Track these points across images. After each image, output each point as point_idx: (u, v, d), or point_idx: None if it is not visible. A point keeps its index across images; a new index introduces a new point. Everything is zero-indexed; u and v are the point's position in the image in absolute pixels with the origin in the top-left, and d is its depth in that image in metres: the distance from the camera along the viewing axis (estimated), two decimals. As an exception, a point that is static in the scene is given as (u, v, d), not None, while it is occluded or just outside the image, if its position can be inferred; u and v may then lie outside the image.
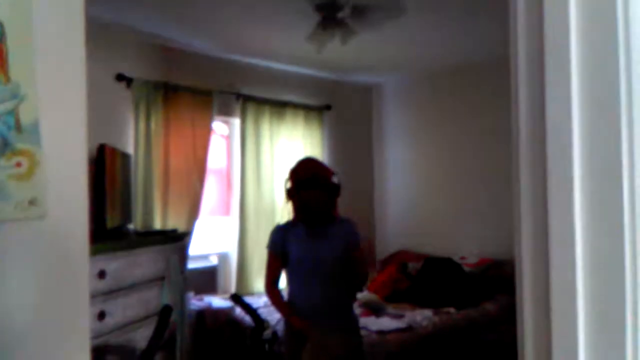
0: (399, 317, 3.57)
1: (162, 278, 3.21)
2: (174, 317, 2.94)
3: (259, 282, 4.54)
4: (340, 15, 3.21)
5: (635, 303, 0.80)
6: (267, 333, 2.73)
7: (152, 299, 3.07)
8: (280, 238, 2.46)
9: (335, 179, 2.43)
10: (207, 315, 3.77)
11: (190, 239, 4.00)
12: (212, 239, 4.62)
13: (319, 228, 2.42)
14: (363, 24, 3.36)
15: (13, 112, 0.94)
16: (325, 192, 2.40)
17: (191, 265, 3.97)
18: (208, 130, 4.30)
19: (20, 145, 0.95)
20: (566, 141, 0.84)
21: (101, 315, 2.65)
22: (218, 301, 3.99)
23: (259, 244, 4.52)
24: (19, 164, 0.95)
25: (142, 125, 3.93)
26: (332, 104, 5.35)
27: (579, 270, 0.84)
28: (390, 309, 3.79)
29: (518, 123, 0.96)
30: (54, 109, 1.01)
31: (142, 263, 3.02)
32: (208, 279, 4.47)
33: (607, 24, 0.81)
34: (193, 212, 4.16)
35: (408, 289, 4.16)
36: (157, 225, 3.96)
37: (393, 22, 3.50)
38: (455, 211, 5.01)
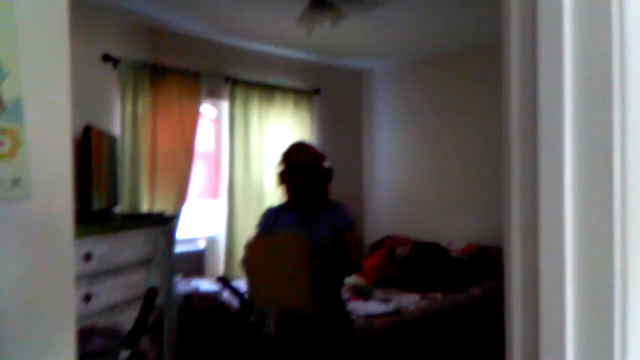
0: (387, 301, 3.60)
1: (149, 261, 3.20)
2: (160, 300, 2.94)
3: (246, 266, 4.54)
4: (330, -3, 3.18)
5: (624, 287, 0.80)
6: (254, 316, 2.73)
7: (139, 282, 3.06)
8: (270, 220, 2.45)
9: (327, 164, 2.43)
10: (195, 298, 3.77)
11: (177, 222, 3.99)
12: (200, 223, 4.60)
13: (308, 214, 2.40)
14: (353, 7, 3.32)
15: (-6, 90, 0.92)
16: (317, 177, 2.38)
17: (179, 248, 3.95)
18: (196, 113, 4.26)
19: (2, 124, 0.93)
20: (558, 126, 0.84)
21: (87, 298, 2.64)
22: (205, 285, 3.99)
23: (247, 228, 4.51)
24: (1, 143, 0.93)
25: (128, 107, 3.88)
26: (321, 88, 5.32)
27: (568, 255, 0.84)
28: (378, 293, 3.81)
29: (509, 108, 0.95)
30: (37, 87, 0.99)
31: (129, 246, 3.00)
32: (196, 263, 4.46)
33: (600, 5, 0.80)
34: (181, 195, 4.14)
35: (395, 274, 4.19)
36: (144, 208, 3.94)
37: (383, 6, 3.47)
38: (443, 197, 5.04)
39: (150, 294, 2.24)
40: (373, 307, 3.40)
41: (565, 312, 0.85)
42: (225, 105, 4.65)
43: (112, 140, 3.54)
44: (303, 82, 5.21)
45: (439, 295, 3.79)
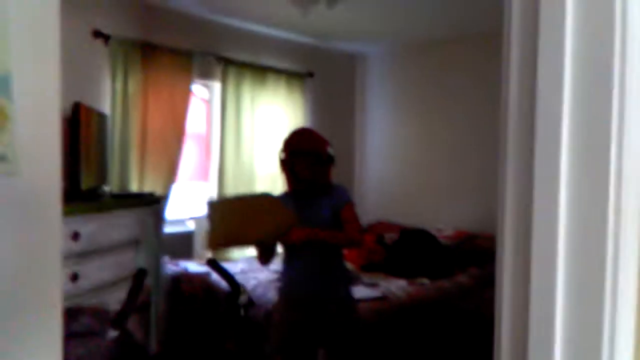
0: (374, 286, 3.62)
1: (137, 241, 3.18)
2: (148, 281, 2.93)
3: (235, 249, 4.54)
4: (327, -21, 3.14)
5: (614, 277, 0.80)
6: (243, 298, 2.74)
7: (127, 261, 3.05)
8: None
9: (330, 150, 2.41)
10: (183, 279, 3.77)
11: (166, 202, 3.96)
12: (190, 204, 4.58)
13: (307, 200, 2.40)
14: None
15: (-19, 63, 0.90)
16: (320, 163, 2.37)
17: (168, 229, 3.94)
18: (187, 92, 4.21)
19: (-11, 98, 0.90)
20: (556, 114, 0.83)
21: (74, 277, 2.62)
22: (194, 266, 3.98)
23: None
24: (-13, 118, 0.90)
25: (119, 84, 3.83)
26: (314, 71, 5.28)
27: (561, 242, 0.84)
28: (365, 278, 3.83)
29: (508, 93, 0.95)
30: (26, 63, 0.97)
31: (117, 225, 2.99)
32: (184, 244, 4.44)
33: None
34: (170, 175, 4.11)
35: (384, 259, 4.21)
36: (134, 187, 3.91)
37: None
38: (433, 184, 5.05)
39: (140, 275, 2.24)
40: (360, 292, 3.41)
41: (555, 302, 0.85)
42: (217, 86, 4.60)
43: (101, 118, 3.50)
44: (296, 64, 5.17)
45: (426, 281, 3.82)
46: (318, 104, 5.37)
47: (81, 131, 3.00)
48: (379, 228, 4.98)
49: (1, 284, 0.95)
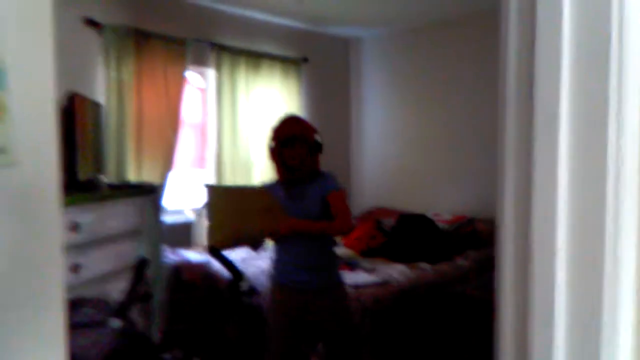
0: (373, 271, 3.63)
1: (136, 231, 3.18)
2: (149, 270, 2.93)
3: (234, 236, 4.54)
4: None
5: (614, 260, 0.81)
6: (244, 285, 2.75)
7: (127, 251, 3.05)
8: None
9: (317, 137, 2.41)
10: (183, 268, 3.78)
11: (164, 191, 3.96)
12: (188, 193, 4.58)
13: (297, 188, 2.40)
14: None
15: (-25, 54, 0.89)
16: (308, 150, 2.37)
17: (167, 219, 3.93)
18: (181, 80, 4.19)
19: (-16, 89, 0.89)
20: (554, 95, 0.83)
21: (75, 268, 2.62)
22: (194, 255, 3.99)
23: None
24: (-16, 110, 0.89)
25: (113, 73, 3.80)
26: (309, 56, 5.25)
27: (560, 224, 0.85)
28: (365, 263, 3.84)
29: (505, 74, 0.94)
30: (20, 53, 0.95)
31: (116, 215, 2.98)
32: (184, 234, 4.45)
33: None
34: (167, 163, 4.10)
35: (383, 244, 4.22)
36: (131, 177, 3.90)
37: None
38: (430, 169, 5.06)
39: (141, 264, 2.24)
40: (360, 277, 3.43)
41: (555, 282, 0.85)
42: (211, 73, 4.57)
43: (96, 107, 3.47)
44: (291, 50, 5.13)
45: (425, 265, 3.84)
46: (313, 90, 5.34)
47: (76, 121, 2.98)
48: (377, 214, 4.99)
49: (3, 276, 0.95)
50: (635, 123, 0.80)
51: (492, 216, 1.05)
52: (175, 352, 3.12)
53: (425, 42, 5.09)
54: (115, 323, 2.02)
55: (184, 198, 4.51)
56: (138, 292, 2.20)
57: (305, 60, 5.22)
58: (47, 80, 1.01)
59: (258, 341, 3.03)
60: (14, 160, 0.95)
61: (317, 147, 2.41)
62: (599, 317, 0.82)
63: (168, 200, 4.05)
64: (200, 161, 4.69)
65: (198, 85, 4.66)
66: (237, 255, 4.03)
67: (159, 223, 3.51)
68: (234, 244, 2.33)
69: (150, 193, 3.44)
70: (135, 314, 2.74)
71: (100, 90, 3.78)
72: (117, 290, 2.78)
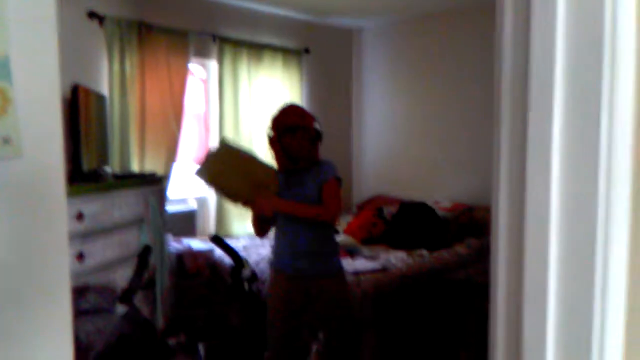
0: (374, 258, 3.67)
1: (141, 220, 3.22)
2: (153, 258, 2.98)
3: (237, 225, 4.59)
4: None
5: (605, 250, 0.83)
6: (246, 272, 2.78)
7: (132, 240, 3.09)
8: None
9: (317, 125, 2.43)
10: (187, 257, 3.82)
11: (168, 181, 3.99)
12: (191, 183, 4.61)
13: (296, 177, 2.42)
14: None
15: (-19, 48, 0.91)
16: (307, 139, 2.38)
17: (170, 208, 3.98)
18: (184, 72, 4.21)
19: (-10, 82, 0.92)
20: (548, 80, 0.85)
21: (80, 257, 2.67)
22: (197, 243, 4.04)
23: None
24: (-10, 102, 0.92)
25: (116, 65, 3.82)
26: (311, 47, 5.25)
27: (554, 213, 0.87)
28: (366, 251, 3.88)
29: (500, 64, 0.96)
30: (24, 45, 0.97)
31: (120, 205, 3.02)
32: (187, 223, 4.49)
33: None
34: (171, 154, 4.13)
35: (383, 232, 4.25)
36: (135, 168, 3.94)
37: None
38: (431, 157, 5.07)
39: (145, 252, 2.28)
40: (361, 264, 3.46)
41: (548, 267, 0.88)
42: (213, 65, 4.58)
43: (100, 99, 3.50)
44: (292, 41, 5.14)
45: (425, 252, 3.87)
46: (315, 80, 5.35)
47: (80, 113, 3.01)
48: (378, 202, 5.02)
49: (10, 265, 0.98)
50: (627, 113, 0.82)
51: (490, 204, 1.07)
52: (179, 337, 3.17)
53: (426, 31, 5.08)
54: (120, 309, 2.06)
55: (187, 188, 4.55)
56: (143, 278, 2.24)
57: (306, 51, 5.22)
58: (52, 73, 1.03)
59: (260, 327, 3.07)
60: (19, 152, 0.97)
61: (317, 136, 2.43)
62: (591, 296, 0.83)
63: (172, 190, 4.09)
64: (204, 152, 4.72)
65: (200, 76, 4.67)
66: (239, 243, 4.08)
67: (163, 212, 3.55)
68: (215, 186, 2.38)
69: (154, 183, 3.48)
70: (139, 300, 2.79)
71: (104, 83, 3.81)
72: (121, 278, 2.83)
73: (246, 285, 2.78)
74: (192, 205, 4.62)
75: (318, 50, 5.32)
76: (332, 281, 2.44)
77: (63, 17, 1.06)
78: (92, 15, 3.70)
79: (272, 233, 2.55)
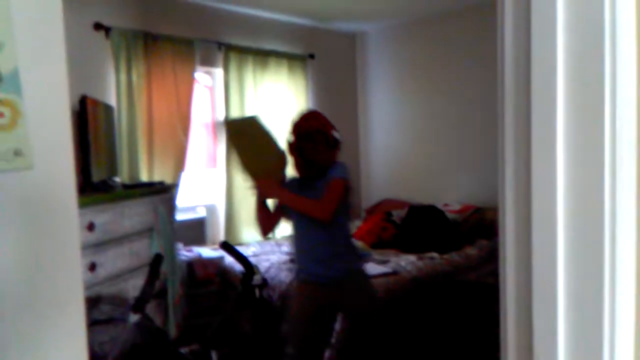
0: (385, 262, 3.66)
1: (151, 230, 3.24)
2: (164, 267, 2.99)
3: (247, 233, 4.60)
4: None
5: (612, 247, 0.82)
6: (257, 278, 2.78)
7: (142, 249, 3.11)
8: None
9: (336, 134, 2.43)
10: (197, 265, 3.84)
11: (177, 190, 4.01)
12: (200, 191, 4.63)
13: (310, 181, 2.43)
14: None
15: (-9, 62, 0.93)
16: (325, 145, 2.39)
17: (179, 217, 3.99)
18: (191, 81, 4.24)
19: (1, 95, 0.93)
20: (551, 80, 0.85)
21: (92, 267, 2.68)
22: (207, 251, 4.05)
23: (246, 195, 4.54)
24: (1, 114, 0.94)
25: (123, 76, 3.86)
26: (315, 53, 5.27)
27: (560, 211, 0.86)
28: (376, 255, 3.88)
29: (503, 61, 0.96)
30: (33, 58, 0.99)
31: (130, 215, 3.04)
32: (196, 231, 4.51)
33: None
34: (179, 163, 4.15)
35: (393, 236, 4.25)
36: (143, 177, 3.96)
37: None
38: (439, 160, 5.06)
39: (156, 260, 2.28)
40: (371, 268, 3.45)
41: (556, 264, 0.88)
42: (219, 72, 4.61)
43: (108, 110, 3.53)
44: (297, 47, 5.16)
45: (435, 255, 3.86)
46: (320, 85, 5.37)
47: (89, 124, 3.04)
48: (387, 205, 5.02)
49: (24, 277, 0.98)
50: (630, 110, 0.82)
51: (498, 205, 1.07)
52: (192, 346, 3.17)
53: (430, 33, 5.08)
54: (133, 318, 2.07)
55: (196, 196, 4.57)
56: (154, 286, 2.25)
57: (311, 56, 5.24)
58: (60, 85, 1.04)
59: (271, 333, 3.07)
60: (30, 164, 0.98)
61: (335, 143, 2.43)
62: (600, 291, 0.83)
63: (181, 198, 4.11)
64: (212, 160, 4.74)
65: (207, 84, 4.70)
66: (249, 250, 4.09)
67: (172, 221, 3.57)
68: (233, 143, 2.54)
69: (163, 192, 3.50)
70: (152, 310, 2.80)
71: (111, 93, 3.85)
72: (133, 287, 2.84)
73: (257, 292, 2.78)
74: (202, 213, 4.64)
75: (322, 55, 5.34)
76: (354, 280, 2.45)
77: (69, 29, 1.07)
78: (98, 26, 3.74)
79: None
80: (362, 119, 5.80)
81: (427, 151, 5.16)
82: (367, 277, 2.57)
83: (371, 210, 5.15)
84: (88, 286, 2.56)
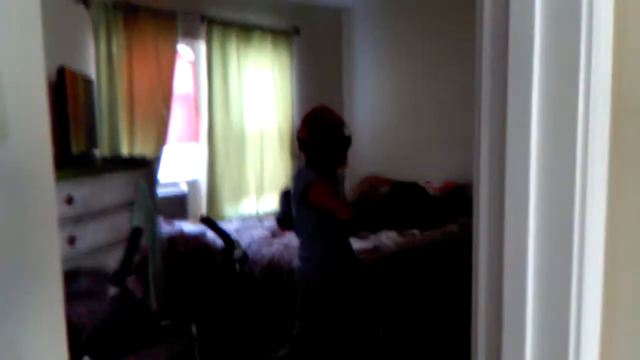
0: (366, 238, 3.70)
1: (131, 204, 3.22)
2: (144, 241, 2.99)
3: (229, 208, 4.60)
4: None
5: (581, 232, 0.85)
6: (237, 252, 2.80)
7: (123, 224, 3.09)
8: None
9: (346, 131, 2.42)
10: (178, 240, 3.83)
11: (158, 164, 3.99)
12: (182, 166, 4.61)
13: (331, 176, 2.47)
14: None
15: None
16: (335, 142, 2.39)
17: (161, 192, 3.97)
18: (173, 54, 4.18)
19: (-28, 63, 0.91)
20: (527, 51, 0.86)
21: (71, 241, 2.67)
22: (189, 226, 4.05)
23: (228, 170, 4.55)
24: (-26, 84, 0.92)
25: (103, 48, 3.79)
26: (301, 27, 5.22)
27: (532, 188, 0.89)
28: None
29: (481, 31, 0.97)
30: (7, 27, 0.97)
31: (110, 188, 3.02)
32: (178, 206, 4.50)
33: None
34: (160, 137, 4.12)
35: (375, 212, 4.29)
36: (124, 151, 3.92)
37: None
38: (422, 137, 5.08)
39: (135, 234, 2.28)
40: (352, 244, 3.49)
41: (527, 238, 0.90)
42: (202, 46, 4.55)
43: (87, 82, 3.47)
44: (282, 21, 5.10)
45: (416, 232, 3.91)
46: (305, 61, 5.33)
47: (68, 95, 2.99)
48: (370, 182, 5.05)
49: (0, 250, 0.98)
50: (605, 77, 0.83)
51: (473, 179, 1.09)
52: (172, 319, 3.20)
53: (416, 10, 5.05)
54: (112, 291, 2.07)
55: (177, 171, 4.55)
56: (134, 259, 2.26)
57: (296, 31, 5.18)
58: (36, 54, 1.02)
59: (251, 306, 3.10)
60: (5, 134, 0.97)
61: (346, 141, 2.43)
62: (568, 268, 0.86)
63: (163, 172, 4.09)
64: (194, 134, 4.71)
65: (189, 58, 4.64)
66: (231, 226, 4.10)
67: (153, 195, 3.55)
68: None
69: (144, 166, 3.47)
70: (132, 283, 2.80)
71: (91, 66, 3.78)
72: (114, 261, 2.84)
73: (237, 266, 2.80)
74: (183, 188, 4.63)
75: (308, 31, 5.29)
76: (354, 267, 2.59)
77: (49, 1, 1.05)
78: (77, -4, 3.65)
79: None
80: (347, 95, 5.78)
81: (410, 128, 5.18)
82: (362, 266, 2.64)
83: (354, 187, 5.18)
84: (67, 260, 2.55)
